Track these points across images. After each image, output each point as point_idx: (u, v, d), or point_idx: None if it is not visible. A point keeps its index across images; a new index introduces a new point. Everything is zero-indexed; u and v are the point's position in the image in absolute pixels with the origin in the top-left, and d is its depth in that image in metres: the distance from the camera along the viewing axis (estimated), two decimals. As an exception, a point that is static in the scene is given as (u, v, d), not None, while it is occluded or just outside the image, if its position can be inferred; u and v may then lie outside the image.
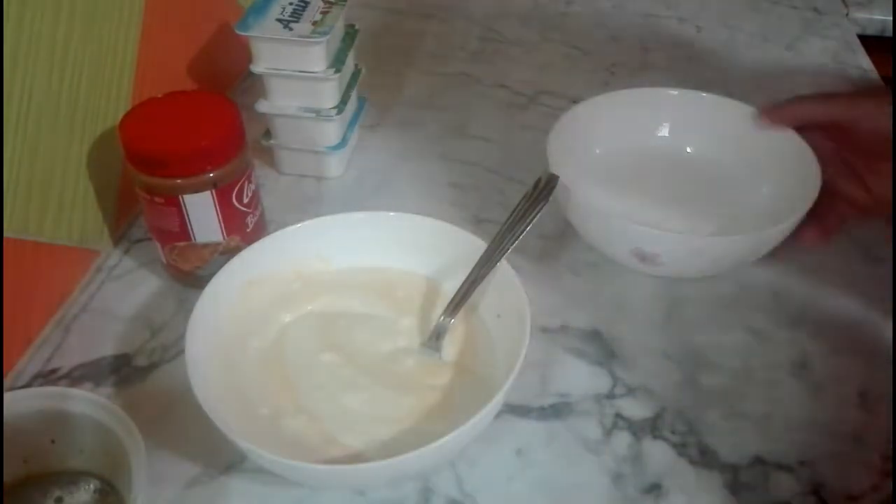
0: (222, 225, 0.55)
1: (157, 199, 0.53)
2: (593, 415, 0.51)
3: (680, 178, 0.65)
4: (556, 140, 0.60)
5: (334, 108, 0.65)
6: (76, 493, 0.45)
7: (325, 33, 0.60)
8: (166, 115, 0.53)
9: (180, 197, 0.53)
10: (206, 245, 0.56)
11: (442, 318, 0.51)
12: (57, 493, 0.45)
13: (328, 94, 0.64)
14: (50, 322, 0.56)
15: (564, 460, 0.48)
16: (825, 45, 0.87)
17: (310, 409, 0.47)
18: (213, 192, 0.53)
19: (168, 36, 0.66)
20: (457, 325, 0.51)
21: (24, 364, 0.54)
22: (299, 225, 0.54)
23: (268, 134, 0.68)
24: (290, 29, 0.61)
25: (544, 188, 0.53)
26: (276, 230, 0.54)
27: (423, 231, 0.54)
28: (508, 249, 0.50)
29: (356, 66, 0.70)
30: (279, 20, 0.62)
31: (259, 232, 0.58)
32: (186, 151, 0.51)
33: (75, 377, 0.53)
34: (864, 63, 0.85)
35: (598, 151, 0.66)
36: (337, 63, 0.63)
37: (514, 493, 0.47)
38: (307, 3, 0.63)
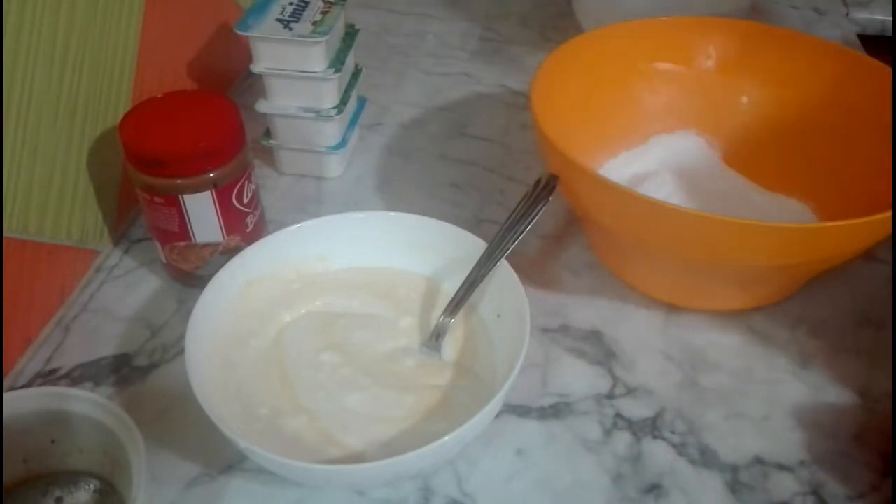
0: (222, 225, 0.55)
1: (156, 199, 0.53)
2: (593, 415, 0.51)
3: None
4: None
5: (334, 108, 0.65)
6: (76, 493, 0.45)
7: (325, 33, 0.60)
8: (166, 115, 0.53)
9: (180, 197, 0.53)
10: (205, 245, 0.56)
11: (442, 318, 0.51)
12: (57, 493, 0.45)
13: (328, 94, 0.64)
14: (50, 322, 0.56)
15: (564, 460, 0.48)
16: (825, 46, 0.87)
17: (310, 409, 0.47)
18: (213, 191, 0.53)
19: (168, 36, 0.66)
20: (457, 325, 0.51)
21: (24, 364, 0.54)
22: (299, 225, 0.54)
23: (268, 134, 0.68)
24: (290, 29, 0.61)
25: (544, 188, 0.53)
26: (276, 230, 0.54)
27: (423, 231, 0.54)
28: (508, 249, 0.50)
29: (356, 66, 0.70)
30: (279, 20, 0.62)
31: (259, 232, 0.58)
32: (186, 151, 0.51)
33: (75, 377, 0.53)
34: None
35: None
36: (337, 63, 0.64)
37: (514, 493, 0.47)
38: (307, 3, 0.63)
